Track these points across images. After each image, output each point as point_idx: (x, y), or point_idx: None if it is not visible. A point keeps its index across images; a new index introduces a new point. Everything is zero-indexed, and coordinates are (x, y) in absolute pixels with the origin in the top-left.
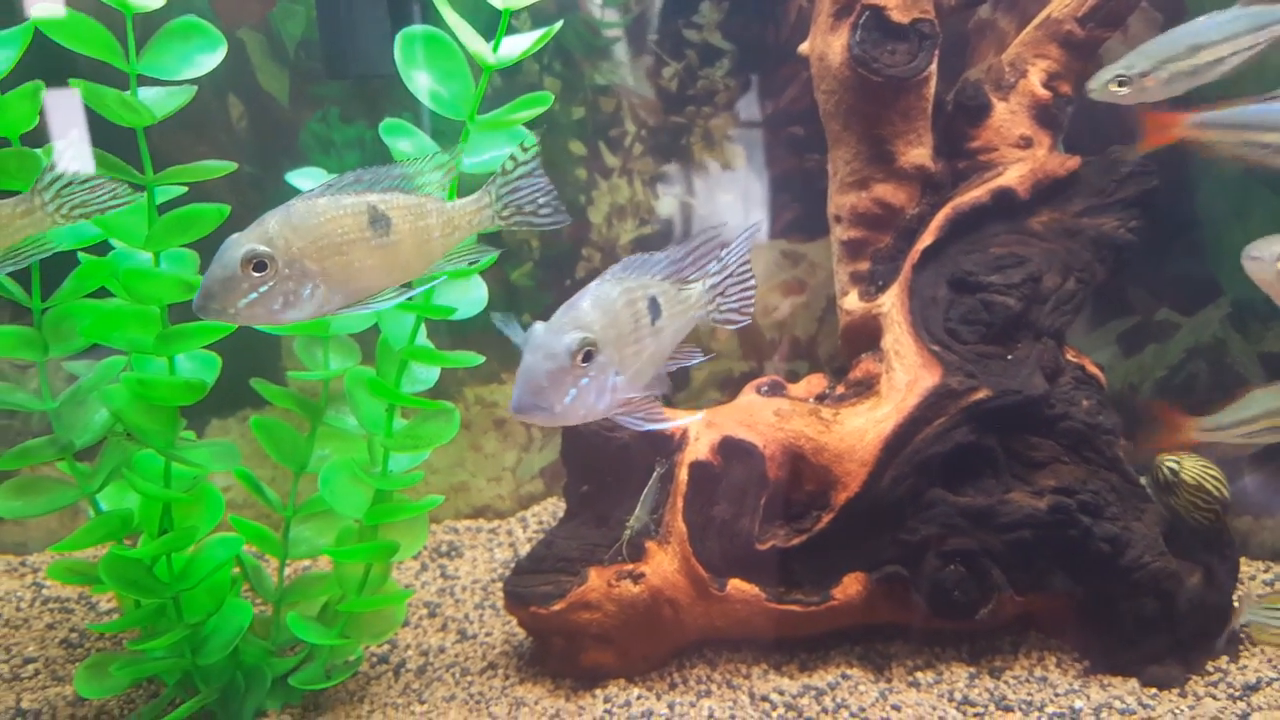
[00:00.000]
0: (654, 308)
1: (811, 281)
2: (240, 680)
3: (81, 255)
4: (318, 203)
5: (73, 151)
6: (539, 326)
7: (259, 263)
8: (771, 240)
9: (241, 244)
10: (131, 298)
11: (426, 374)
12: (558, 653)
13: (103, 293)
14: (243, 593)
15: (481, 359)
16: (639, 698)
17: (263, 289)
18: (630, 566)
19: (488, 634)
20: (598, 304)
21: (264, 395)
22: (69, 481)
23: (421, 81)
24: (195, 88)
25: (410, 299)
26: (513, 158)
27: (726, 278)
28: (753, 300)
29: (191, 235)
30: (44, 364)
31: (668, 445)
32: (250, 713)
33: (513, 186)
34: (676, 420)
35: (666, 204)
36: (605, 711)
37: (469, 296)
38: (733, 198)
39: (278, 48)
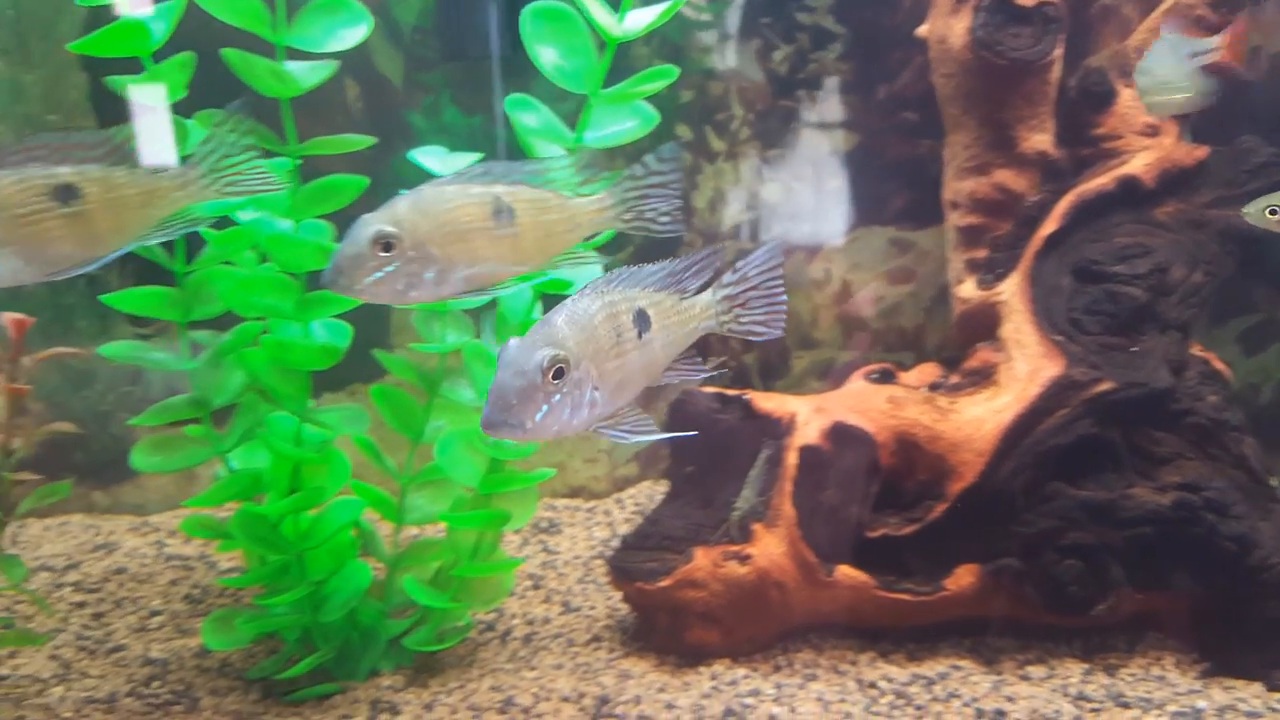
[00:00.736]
0: (641, 320)
1: (920, 270)
2: (356, 640)
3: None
4: (446, 190)
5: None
6: (513, 343)
7: (386, 243)
8: (880, 227)
9: (371, 224)
10: (275, 263)
11: None
12: (662, 629)
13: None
14: (359, 556)
15: None
16: (745, 677)
17: (388, 269)
18: (737, 548)
19: (591, 608)
20: (573, 320)
21: (385, 365)
22: (201, 441)
23: (547, 56)
24: (338, 62)
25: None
26: (645, 163)
27: (748, 289)
28: (783, 312)
29: (331, 206)
30: (184, 327)
31: (776, 429)
32: (365, 671)
33: (641, 193)
34: (665, 434)
35: (772, 189)
36: (712, 688)
37: (584, 272)
38: (841, 183)
39: (394, 31)
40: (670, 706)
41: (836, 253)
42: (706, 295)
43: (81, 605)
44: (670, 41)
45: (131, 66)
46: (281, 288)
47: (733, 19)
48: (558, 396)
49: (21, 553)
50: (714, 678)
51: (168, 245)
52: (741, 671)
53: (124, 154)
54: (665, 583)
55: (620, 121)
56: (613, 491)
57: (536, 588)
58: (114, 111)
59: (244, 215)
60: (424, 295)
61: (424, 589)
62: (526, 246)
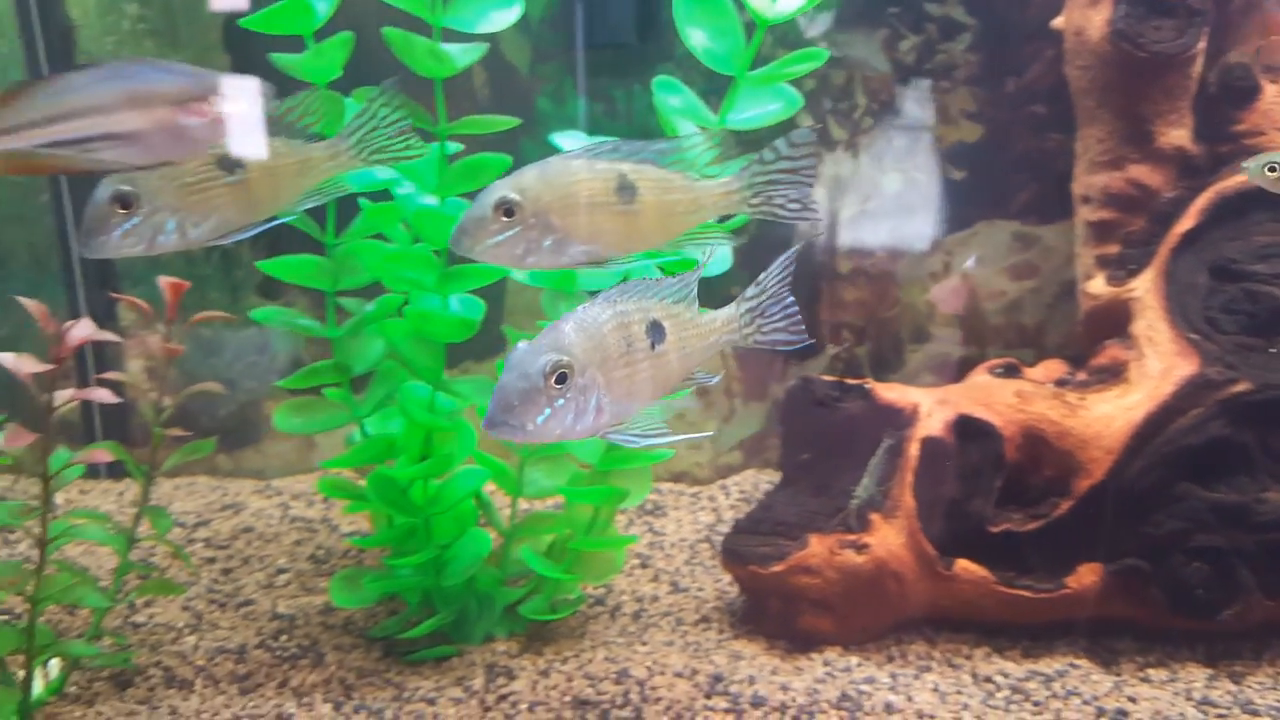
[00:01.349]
0: (655, 331)
1: (1044, 266)
2: (473, 605)
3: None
4: (572, 163)
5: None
6: (520, 346)
7: (509, 209)
8: (1004, 221)
9: (497, 190)
10: (421, 237)
11: None
12: (773, 614)
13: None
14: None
15: None
16: (858, 665)
17: (509, 233)
18: (854, 536)
19: (700, 589)
20: (581, 327)
21: (512, 341)
22: (339, 406)
23: (696, 38)
24: (488, 44)
25: (658, 254)
26: (776, 148)
27: (766, 299)
28: (798, 319)
29: (477, 183)
30: (332, 294)
31: (898, 419)
32: (480, 636)
33: (770, 178)
34: (676, 436)
35: (893, 180)
36: (826, 673)
37: (717, 254)
38: (966, 176)
39: (522, 20)
40: (785, 688)
41: (957, 246)
42: (729, 309)
43: (212, 561)
44: (794, 27)
45: (278, 46)
46: (425, 262)
47: (859, 7)
48: (561, 401)
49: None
50: (827, 664)
51: (319, 217)
52: (854, 659)
53: (281, 125)
54: (779, 568)
55: (765, 104)
56: (715, 478)
57: (644, 566)
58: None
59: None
60: (541, 262)
61: (541, 559)
62: (647, 225)
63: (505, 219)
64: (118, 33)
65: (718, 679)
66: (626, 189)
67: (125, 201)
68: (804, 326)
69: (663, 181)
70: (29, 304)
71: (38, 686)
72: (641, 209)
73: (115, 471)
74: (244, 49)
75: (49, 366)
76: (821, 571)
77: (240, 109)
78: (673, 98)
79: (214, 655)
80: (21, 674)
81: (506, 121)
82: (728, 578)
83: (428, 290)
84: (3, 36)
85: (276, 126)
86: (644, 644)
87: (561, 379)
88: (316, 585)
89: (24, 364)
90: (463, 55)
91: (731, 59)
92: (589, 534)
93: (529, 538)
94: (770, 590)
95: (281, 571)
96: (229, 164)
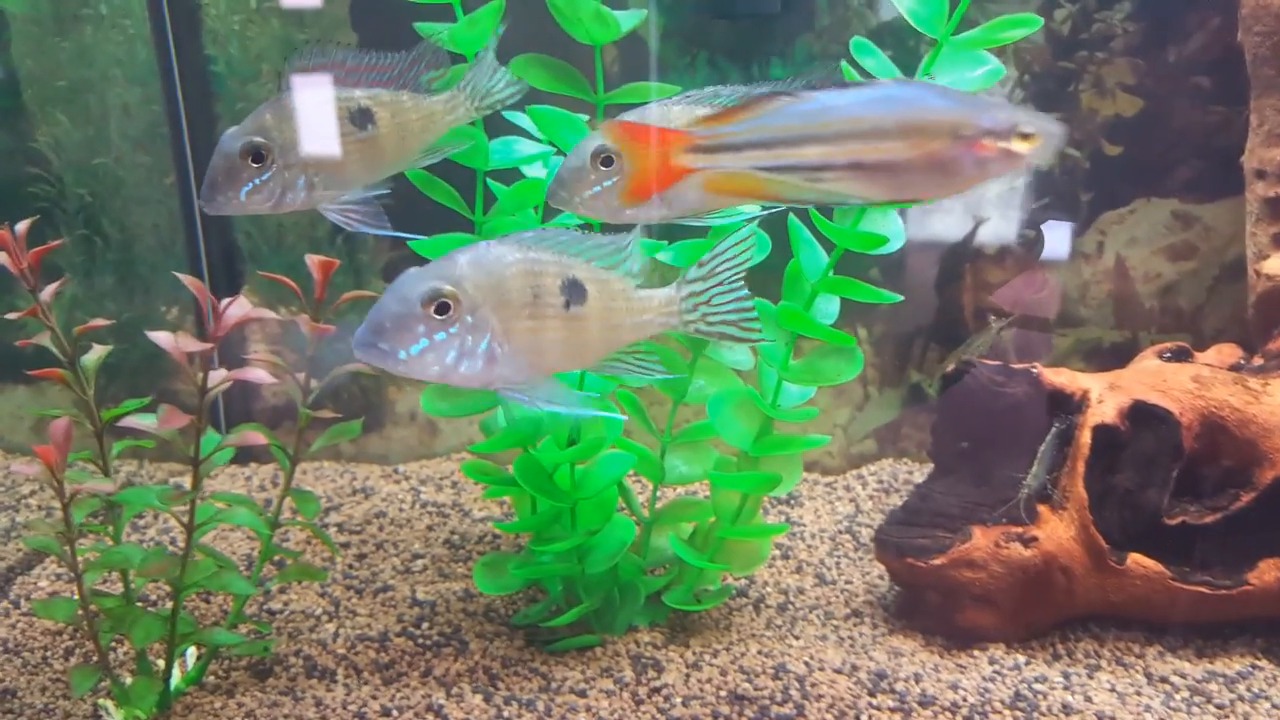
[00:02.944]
0: (573, 290)
1: (1204, 247)
2: (615, 594)
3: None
4: (672, 110)
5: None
6: (411, 270)
7: (606, 158)
8: (1161, 199)
9: (594, 140)
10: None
11: (828, 308)
12: (931, 608)
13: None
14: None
15: (900, 297)
16: (1026, 663)
17: (606, 184)
18: (1019, 528)
19: (847, 581)
20: (477, 262)
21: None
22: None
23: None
24: (645, 11)
25: (837, 227)
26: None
27: (712, 285)
28: (751, 312)
29: None
30: None
31: (1066, 406)
32: (622, 626)
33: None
34: (586, 410)
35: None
36: (993, 672)
37: (890, 228)
38: (1122, 151)
39: None
40: (955, 687)
41: (1112, 225)
42: (668, 290)
43: (346, 546)
44: None
45: (407, 20)
46: None
47: None
48: (442, 335)
49: None
50: (992, 661)
51: (468, 197)
52: (1020, 657)
53: (407, 78)
54: (939, 561)
55: (965, 70)
56: (848, 468)
57: (786, 558)
58: None
59: (531, 171)
60: (639, 215)
61: (686, 548)
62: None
63: (604, 168)
64: (244, 11)
65: (880, 676)
66: None
67: (259, 154)
68: (758, 322)
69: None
70: (188, 280)
71: (175, 676)
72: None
73: (240, 455)
74: (371, 25)
75: (208, 346)
76: (986, 565)
77: (1039, 149)
78: (868, 60)
79: (354, 643)
80: (160, 663)
81: (667, 90)
82: (876, 570)
83: None
84: (130, 16)
85: (403, 79)
86: (796, 638)
87: (443, 309)
88: (454, 571)
89: (184, 343)
90: (627, 20)
91: (935, 21)
92: (735, 523)
93: (669, 525)
94: (929, 584)
95: (417, 557)
96: (360, 119)
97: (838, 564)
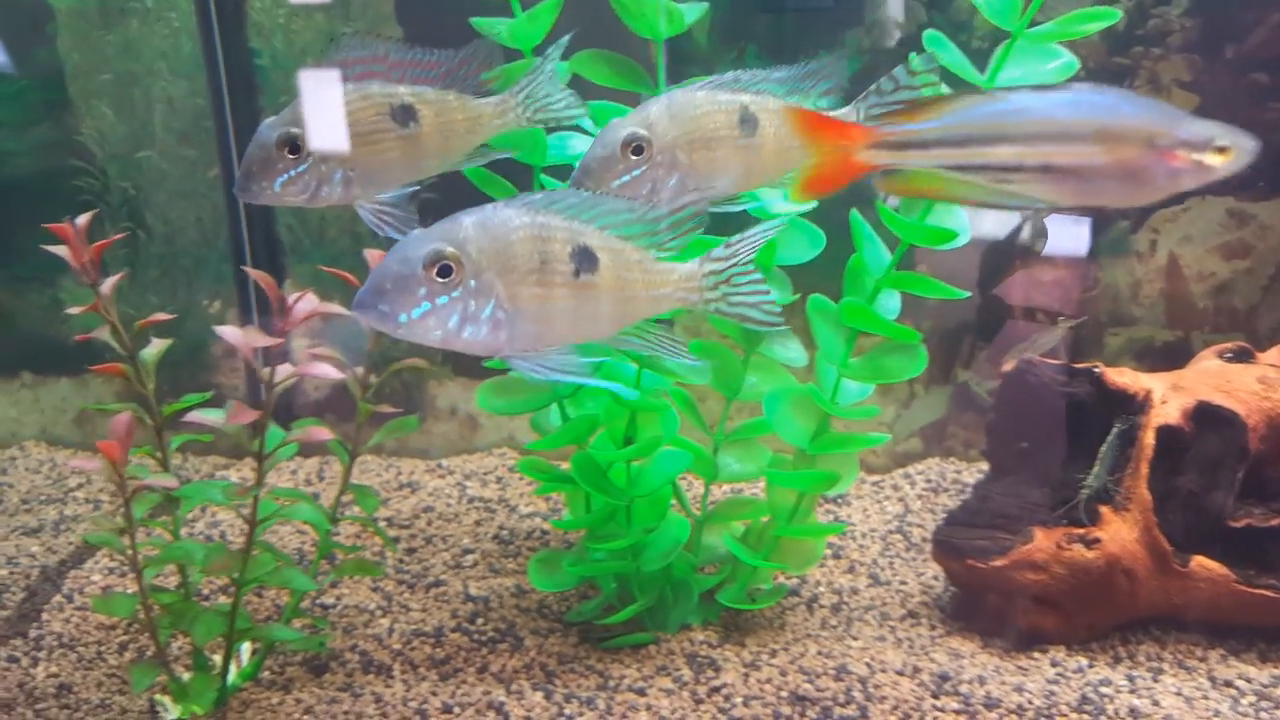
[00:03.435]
0: (585, 259)
1: (1259, 246)
2: (668, 592)
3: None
4: (696, 96)
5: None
6: (415, 232)
7: (637, 146)
8: (1217, 197)
9: (623, 128)
10: None
11: (889, 304)
12: (990, 610)
13: None
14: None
15: (968, 293)
16: (1089, 666)
17: (635, 172)
18: (1081, 530)
19: (902, 582)
20: (483, 225)
21: (710, 321)
22: (540, 385)
23: None
24: (706, 4)
25: (903, 219)
26: (894, 76)
27: (734, 266)
28: (769, 297)
29: None
30: None
31: (1129, 406)
32: (676, 623)
33: (887, 109)
34: (597, 380)
35: None
36: (1057, 674)
37: (957, 224)
38: None
39: None
40: (1020, 690)
41: (1165, 223)
42: (691, 265)
43: (395, 540)
44: None
45: (449, 15)
46: None
47: None
48: (444, 299)
49: (333, 487)
50: (1055, 664)
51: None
52: (1082, 660)
53: (455, 78)
54: (1000, 562)
55: (1038, 64)
56: (893, 467)
57: (837, 557)
58: None
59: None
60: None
61: (742, 547)
62: (766, 158)
63: (634, 157)
64: (289, 5)
65: (944, 678)
66: (749, 121)
67: (294, 145)
68: (777, 307)
69: (780, 113)
70: (257, 275)
71: (230, 672)
72: (762, 142)
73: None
74: (417, 21)
75: (276, 341)
76: (1047, 567)
77: (1231, 163)
78: (942, 53)
79: (410, 639)
80: (216, 659)
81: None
82: (930, 570)
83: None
84: (175, 9)
85: (451, 79)
86: (854, 639)
87: (445, 272)
88: (504, 567)
89: (251, 338)
90: (690, 13)
91: (1009, 13)
92: (790, 521)
93: (721, 524)
94: (989, 586)
95: (467, 552)
96: (402, 116)
97: (891, 564)
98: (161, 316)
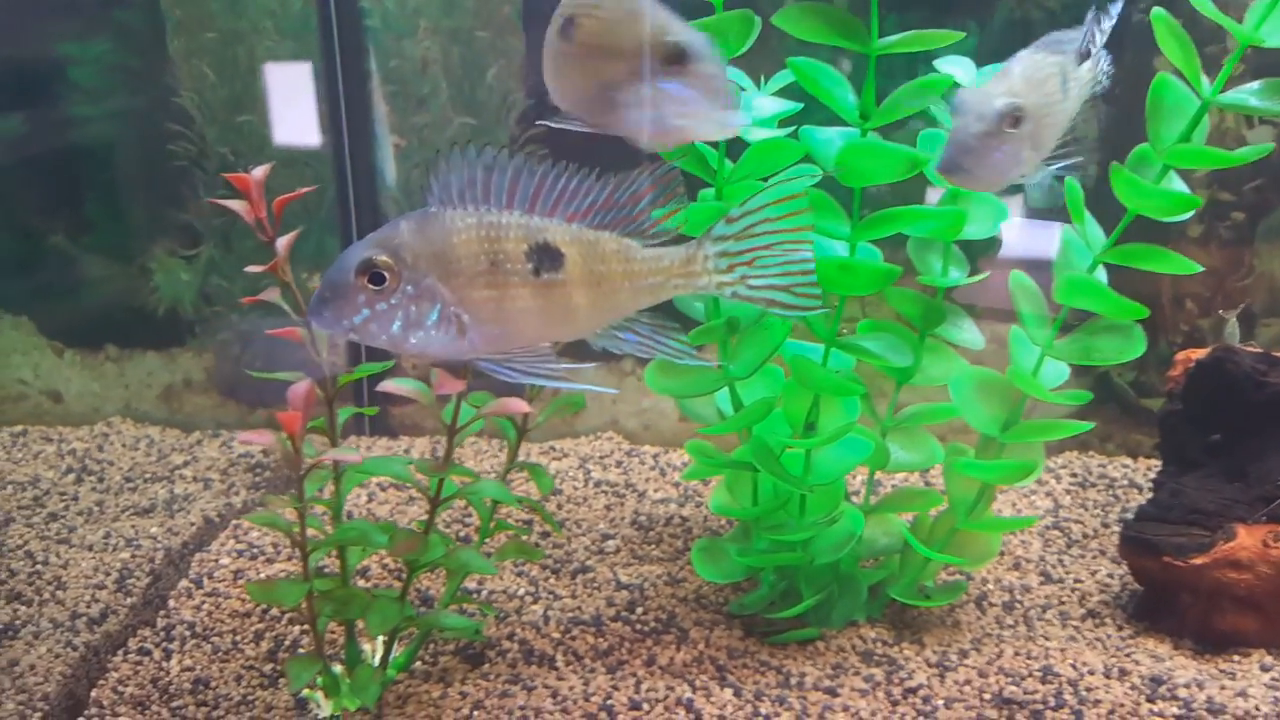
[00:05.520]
0: (545, 256)
1: None
2: (835, 586)
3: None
4: (1037, 58)
5: None
6: (361, 239)
7: (1015, 118)
8: None
9: (996, 98)
10: (845, 175)
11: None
12: (1182, 611)
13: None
14: None
15: (1202, 267)
16: None
17: (1006, 148)
18: None
19: (1077, 580)
20: (421, 229)
21: (888, 299)
22: (710, 367)
23: None
24: None
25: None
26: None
27: (754, 239)
28: (810, 278)
29: (908, 111)
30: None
31: None
32: (841, 619)
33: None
34: (574, 384)
35: (1259, 134)
36: (1271, 680)
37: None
38: None
39: None
40: (1242, 695)
41: None
42: (685, 248)
43: (529, 523)
44: None
45: None
46: (826, 205)
47: None
48: (383, 305)
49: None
50: (1265, 669)
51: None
52: None
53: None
54: (1199, 560)
55: None
56: None
57: (1001, 554)
58: (543, 29)
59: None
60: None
61: (917, 540)
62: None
63: (1010, 130)
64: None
65: (1157, 681)
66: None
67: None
68: (816, 288)
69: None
70: None
71: (378, 660)
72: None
73: (377, 428)
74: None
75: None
76: (1252, 566)
77: None
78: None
79: (569, 627)
80: (366, 648)
81: (948, 36)
82: (1104, 568)
83: (837, 237)
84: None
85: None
86: (1046, 639)
87: (377, 279)
88: (648, 554)
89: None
90: None
91: None
92: (970, 514)
93: (886, 515)
94: (1185, 585)
95: (607, 537)
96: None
97: (1060, 561)
98: None
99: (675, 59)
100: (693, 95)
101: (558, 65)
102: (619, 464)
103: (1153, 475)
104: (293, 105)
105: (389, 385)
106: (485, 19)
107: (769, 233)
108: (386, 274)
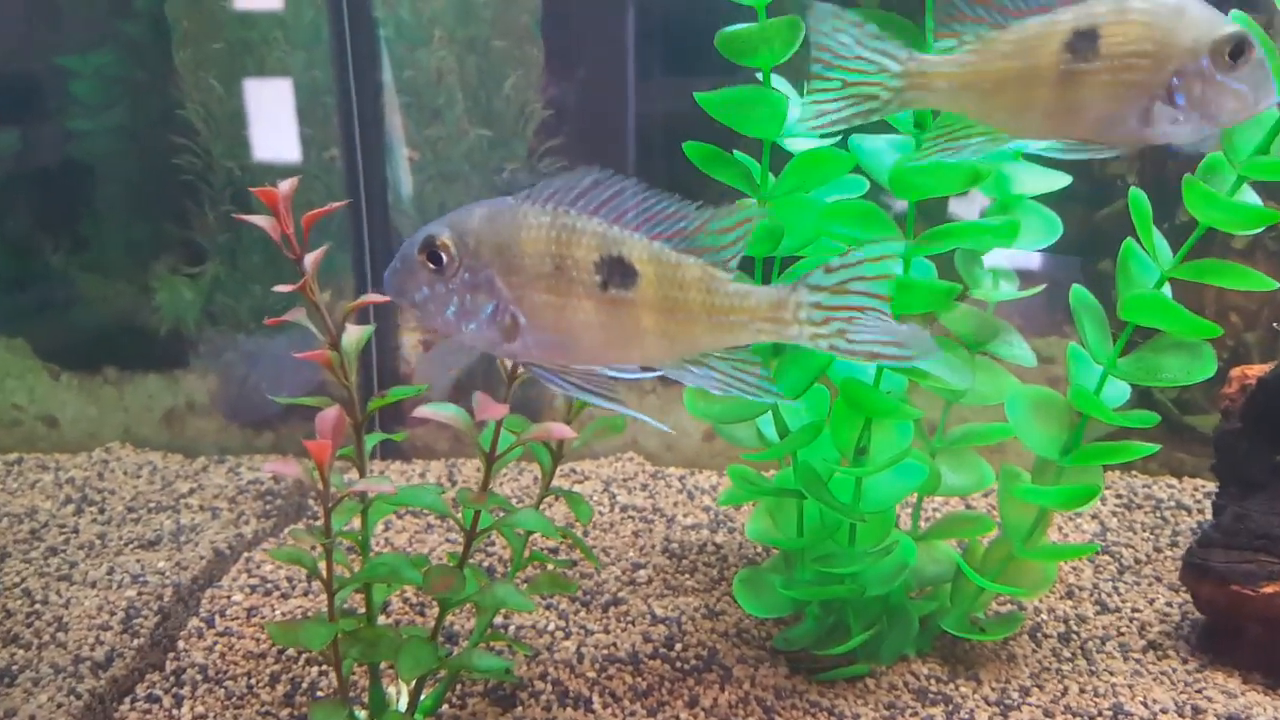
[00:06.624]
0: (617, 270)
1: None
2: (884, 619)
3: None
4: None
5: None
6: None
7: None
8: None
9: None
10: (899, 189)
11: None
12: (1252, 642)
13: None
14: None
15: (1276, 284)
16: None
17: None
18: None
19: (1134, 609)
20: (492, 217)
21: (939, 314)
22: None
23: None
24: None
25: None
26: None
27: (851, 296)
28: (896, 336)
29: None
30: (761, 260)
31: None
32: (891, 654)
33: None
34: (629, 410)
35: None
36: None
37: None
38: None
39: None
40: None
41: None
42: (778, 289)
43: (554, 551)
44: None
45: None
46: (879, 220)
47: None
48: (441, 287)
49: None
50: None
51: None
52: None
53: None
54: (1270, 589)
55: None
56: None
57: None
58: (563, 38)
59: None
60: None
61: (972, 570)
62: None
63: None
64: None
65: None
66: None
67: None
68: (928, 338)
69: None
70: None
71: (403, 703)
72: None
73: (389, 451)
74: (561, 38)
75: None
76: None
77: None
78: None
79: (604, 665)
80: (393, 690)
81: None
82: (1161, 596)
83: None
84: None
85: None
86: (1109, 673)
87: (435, 259)
88: (682, 584)
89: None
90: None
91: None
92: (1026, 541)
93: (934, 542)
94: (1254, 614)
95: (638, 567)
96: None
97: (1114, 589)
98: (372, 298)
99: (1237, 52)
100: (1247, 89)
101: (1063, 89)
102: (644, 487)
103: (1202, 496)
104: (305, 119)
105: (425, 411)
106: (502, 28)
107: (863, 293)
108: (444, 255)
